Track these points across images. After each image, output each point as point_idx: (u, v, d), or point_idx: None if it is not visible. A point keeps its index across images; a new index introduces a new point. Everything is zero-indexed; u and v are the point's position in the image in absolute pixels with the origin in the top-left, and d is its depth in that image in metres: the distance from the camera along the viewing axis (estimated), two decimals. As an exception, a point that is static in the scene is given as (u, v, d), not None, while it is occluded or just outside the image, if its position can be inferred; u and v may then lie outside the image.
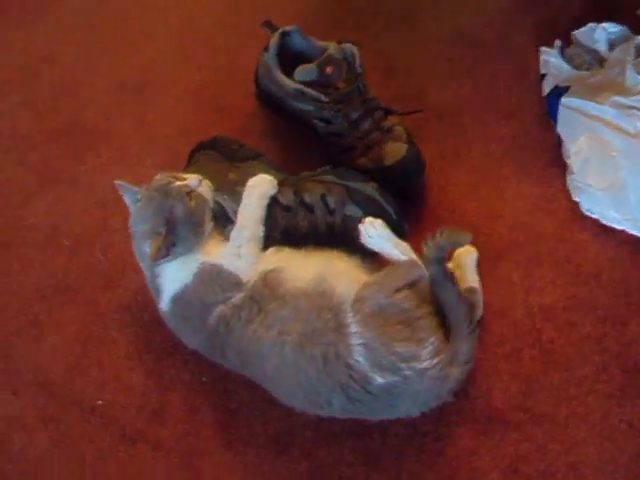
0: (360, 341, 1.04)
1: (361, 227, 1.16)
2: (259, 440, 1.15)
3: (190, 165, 1.29)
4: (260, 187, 1.19)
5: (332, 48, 1.28)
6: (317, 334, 1.06)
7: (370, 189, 1.20)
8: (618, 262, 1.26)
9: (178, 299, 1.14)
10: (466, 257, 1.25)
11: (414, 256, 1.15)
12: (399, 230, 1.19)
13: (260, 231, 1.16)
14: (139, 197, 1.16)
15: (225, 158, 1.28)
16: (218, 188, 1.19)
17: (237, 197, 1.18)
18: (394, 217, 1.20)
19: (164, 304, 1.16)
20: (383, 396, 1.06)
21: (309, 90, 1.27)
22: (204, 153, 1.29)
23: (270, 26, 1.37)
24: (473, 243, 1.26)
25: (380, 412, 1.11)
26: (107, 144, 1.44)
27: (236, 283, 1.11)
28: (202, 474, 1.13)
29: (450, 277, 1.17)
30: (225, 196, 1.19)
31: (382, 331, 1.05)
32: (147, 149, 1.42)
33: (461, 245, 1.15)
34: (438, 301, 1.13)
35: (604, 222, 1.29)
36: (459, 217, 1.32)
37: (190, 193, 1.15)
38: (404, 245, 1.16)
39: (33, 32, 1.70)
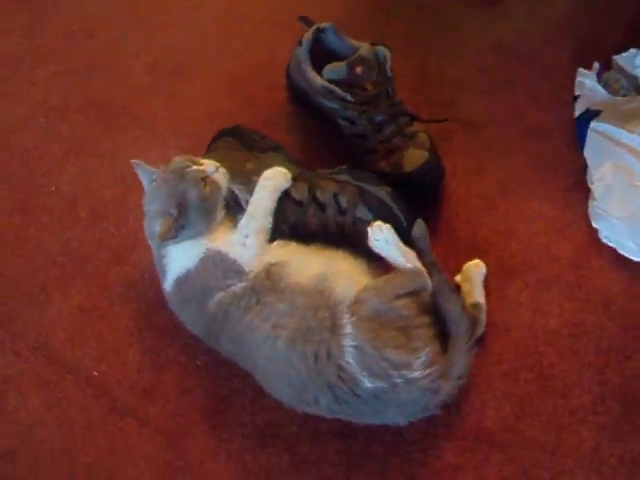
0: (353, 343, 1.04)
1: (369, 230, 1.15)
2: (245, 429, 1.16)
3: (210, 151, 1.31)
4: (274, 180, 1.19)
5: (364, 49, 1.28)
6: (311, 332, 1.06)
7: (383, 193, 1.20)
8: (630, 294, 1.24)
9: (182, 281, 1.15)
10: (475, 271, 1.25)
11: (419, 265, 1.15)
12: (408, 238, 1.18)
13: (268, 223, 1.17)
14: (155, 177, 1.18)
15: (245, 147, 1.29)
16: (234, 176, 1.20)
17: (252, 187, 1.19)
18: (404, 224, 1.19)
19: (168, 285, 1.17)
20: (371, 400, 1.06)
21: (336, 88, 1.27)
22: (225, 140, 1.30)
23: (306, 21, 1.37)
24: (485, 258, 1.27)
25: (366, 416, 1.10)
26: (135, 122, 1.46)
27: (238, 271, 1.12)
28: (185, 455, 1.15)
29: (454, 289, 1.18)
30: (240, 186, 1.20)
31: (376, 335, 1.05)
32: (173, 131, 1.44)
33: (419, 234, 1.17)
34: (440, 312, 1.14)
35: (621, 252, 1.26)
36: (474, 230, 1.31)
37: (205, 179, 1.16)
38: (411, 253, 1.16)
39: (81, 2, 1.73)
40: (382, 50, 1.29)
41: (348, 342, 1.04)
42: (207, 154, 1.30)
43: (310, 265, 1.13)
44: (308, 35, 1.33)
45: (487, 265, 1.25)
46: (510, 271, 1.27)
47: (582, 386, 1.17)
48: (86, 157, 1.42)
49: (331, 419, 1.12)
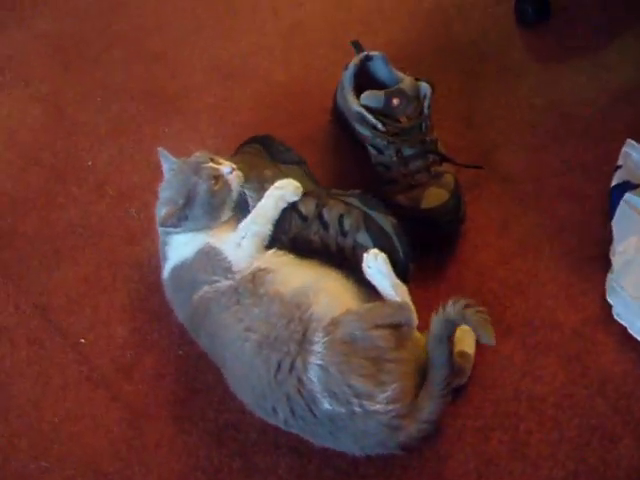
0: (319, 362, 1.04)
1: (364, 256, 1.15)
2: (207, 425, 1.18)
3: (236, 153, 1.34)
4: (284, 190, 1.21)
5: (406, 82, 1.29)
6: (279, 341, 1.07)
7: (388, 224, 1.19)
8: (631, 377, 1.17)
9: (177, 270, 1.19)
10: (472, 321, 1.23)
11: (408, 300, 1.14)
12: (403, 271, 1.17)
13: (268, 230, 1.18)
14: (174, 167, 1.23)
15: (268, 156, 1.32)
16: (250, 181, 1.23)
17: (263, 193, 1.21)
18: (401, 257, 1.18)
19: (165, 272, 1.21)
20: (326, 423, 1.05)
21: (368, 115, 1.27)
22: (252, 146, 1.34)
23: (357, 46, 1.39)
24: (486, 310, 1.22)
25: (322, 438, 1.09)
26: (181, 116, 1.52)
27: (226, 269, 1.14)
28: (145, 436, 1.18)
29: (450, 341, 1.12)
30: (253, 192, 1.22)
31: (345, 360, 1.05)
32: (214, 131, 1.49)
33: (483, 339, 1.08)
34: (428, 353, 1.11)
35: (631, 332, 1.20)
36: (483, 280, 1.28)
37: (219, 177, 1.19)
38: (402, 287, 1.15)
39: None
40: (425, 87, 1.29)
41: (315, 360, 1.04)
42: (232, 157, 1.33)
43: (296, 277, 1.14)
44: (355, 60, 1.35)
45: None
46: (509, 328, 1.23)
47: (556, 459, 1.12)
48: (126, 140, 1.49)
49: (291, 435, 1.11)
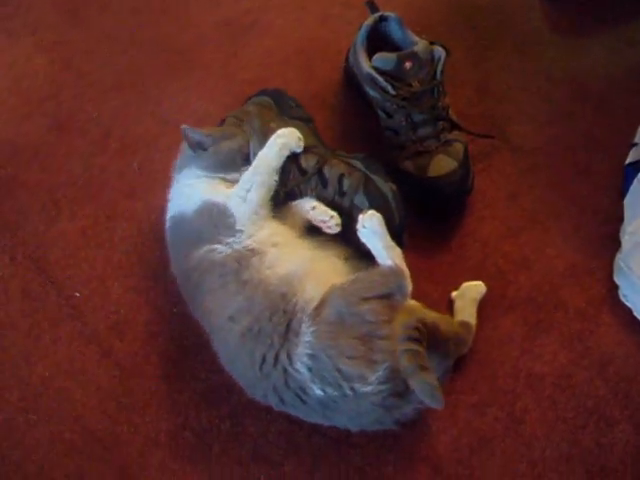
0: (308, 351, 1.01)
1: (360, 216, 1.12)
2: (198, 385, 1.17)
3: (246, 103, 1.31)
4: (286, 139, 1.16)
5: (420, 45, 1.24)
6: (262, 334, 1.04)
7: (387, 188, 1.16)
8: (633, 360, 1.16)
9: (177, 220, 1.15)
10: (473, 291, 1.20)
11: (402, 265, 1.10)
12: (397, 239, 1.13)
13: (273, 180, 1.14)
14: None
15: (277, 109, 1.28)
16: (255, 133, 1.19)
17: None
18: (397, 224, 1.15)
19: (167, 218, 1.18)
20: (318, 407, 1.03)
21: (379, 78, 1.23)
22: (261, 98, 1.30)
23: (371, 6, 1.34)
24: (489, 283, 1.21)
25: (314, 418, 1.08)
26: (190, 69, 1.47)
27: (230, 227, 1.10)
28: (134, 394, 1.17)
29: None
30: (256, 144, 1.17)
31: (334, 343, 1.01)
32: (223, 87, 1.44)
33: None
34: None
35: (636, 314, 1.18)
36: (487, 253, 1.25)
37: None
38: (396, 249, 1.11)
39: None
40: (439, 51, 1.25)
41: (302, 350, 1.01)
42: (240, 106, 1.30)
43: (283, 262, 1.09)
44: (369, 21, 1.31)
45: (489, 291, 1.19)
46: (512, 304, 1.20)
47: (551, 439, 1.11)
48: (133, 92, 1.44)
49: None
